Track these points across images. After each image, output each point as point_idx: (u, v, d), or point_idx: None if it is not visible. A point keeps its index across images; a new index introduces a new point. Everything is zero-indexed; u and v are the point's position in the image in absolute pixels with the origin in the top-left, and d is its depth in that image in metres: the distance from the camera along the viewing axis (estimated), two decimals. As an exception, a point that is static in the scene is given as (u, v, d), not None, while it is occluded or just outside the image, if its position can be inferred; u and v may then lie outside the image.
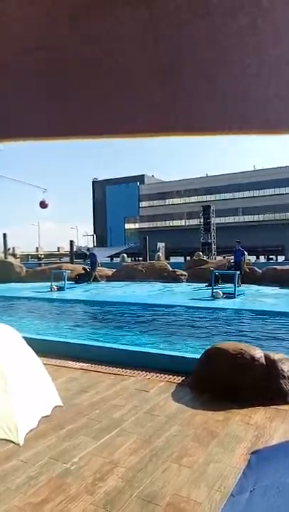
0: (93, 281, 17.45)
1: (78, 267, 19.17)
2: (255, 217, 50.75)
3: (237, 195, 52.64)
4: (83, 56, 0.74)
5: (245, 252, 15.04)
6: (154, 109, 0.87)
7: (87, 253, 19.61)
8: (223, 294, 11.75)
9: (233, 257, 15.79)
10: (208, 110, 0.87)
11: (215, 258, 23.31)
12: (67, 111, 0.89)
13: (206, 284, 14.68)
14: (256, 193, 51.32)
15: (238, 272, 12.80)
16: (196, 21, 0.66)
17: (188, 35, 0.68)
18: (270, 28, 0.70)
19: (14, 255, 29.82)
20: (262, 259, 35.95)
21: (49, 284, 15.29)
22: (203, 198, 52.09)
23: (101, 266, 19.95)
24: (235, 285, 12.01)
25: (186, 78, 0.80)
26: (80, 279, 17.38)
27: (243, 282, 13.51)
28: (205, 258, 20.91)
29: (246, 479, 0.99)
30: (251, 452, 1.13)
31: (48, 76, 0.79)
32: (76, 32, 0.69)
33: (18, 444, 1.40)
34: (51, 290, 14.99)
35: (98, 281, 17.73)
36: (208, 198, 51.10)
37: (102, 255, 26.43)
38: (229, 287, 12.26)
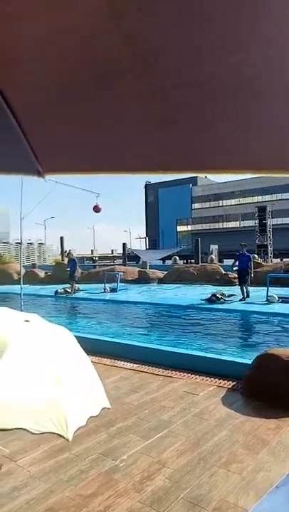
0: (73, 292, 14.87)
1: (130, 269, 19.43)
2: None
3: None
4: (99, 114, 0.95)
5: (251, 257, 12.35)
6: (157, 152, 1.06)
7: (69, 257, 16.13)
8: (279, 298, 11.29)
9: (237, 263, 12.06)
10: (207, 154, 1.01)
11: (271, 261, 22.45)
12: (91, 154, 1.15)
13: (207, 297, 11.62)
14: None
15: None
16: (190, 87, 0.80)
17: (186, 95, 0.84)
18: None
19: (70, 257, 31.02)
20: None
21: (102, 285, 15.75)
22: (259, 198, 50.40)
23: (149, 267, 19.72)
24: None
25: (185, 128, 1.02)
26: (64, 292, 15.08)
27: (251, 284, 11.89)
28: (260, 261, 20.21)
29: None
30: None
31: (78, 126, 1.10)
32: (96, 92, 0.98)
33: (67, 439, 1.48)
34: (104, 291, 15.42)
35: (75, 291, 14.99)
36: (264, 198, 49.33)
37: (153, 258, 26.56)
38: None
